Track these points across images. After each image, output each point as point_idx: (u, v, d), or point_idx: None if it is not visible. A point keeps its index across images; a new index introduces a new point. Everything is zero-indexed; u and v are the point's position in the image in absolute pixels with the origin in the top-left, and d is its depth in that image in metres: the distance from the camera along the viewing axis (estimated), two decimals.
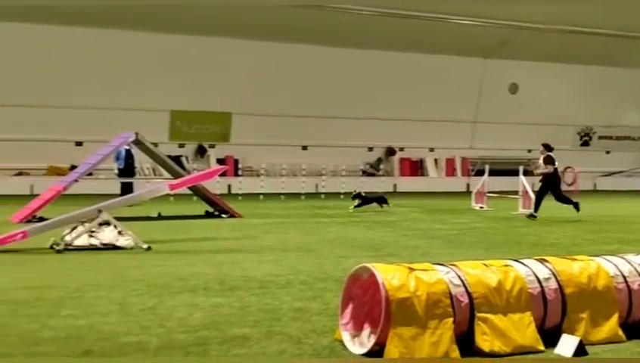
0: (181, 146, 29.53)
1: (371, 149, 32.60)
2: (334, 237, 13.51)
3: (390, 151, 32.77)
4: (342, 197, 23.75)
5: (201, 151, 29.88)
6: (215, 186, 21.19)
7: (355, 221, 16.84)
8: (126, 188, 20.27)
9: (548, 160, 17.48)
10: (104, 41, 26.65)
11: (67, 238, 11.08)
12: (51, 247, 10.87)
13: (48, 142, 26.14)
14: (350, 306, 5.78)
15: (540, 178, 17.68)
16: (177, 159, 24.96)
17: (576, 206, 17.38)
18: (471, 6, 26.46)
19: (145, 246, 11.15)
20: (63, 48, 26.16)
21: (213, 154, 29.91)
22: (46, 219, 13.41)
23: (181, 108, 28.97)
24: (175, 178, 15.67)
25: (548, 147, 17.74)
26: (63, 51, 26.21)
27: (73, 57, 26.39)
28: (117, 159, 20.70)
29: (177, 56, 27.73)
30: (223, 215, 17.27)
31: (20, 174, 26.62)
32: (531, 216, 17.31)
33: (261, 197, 23.73)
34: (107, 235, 11.23)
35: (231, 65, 28.24)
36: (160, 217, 16.96)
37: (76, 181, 16.67)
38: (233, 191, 26.42)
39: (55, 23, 25.49)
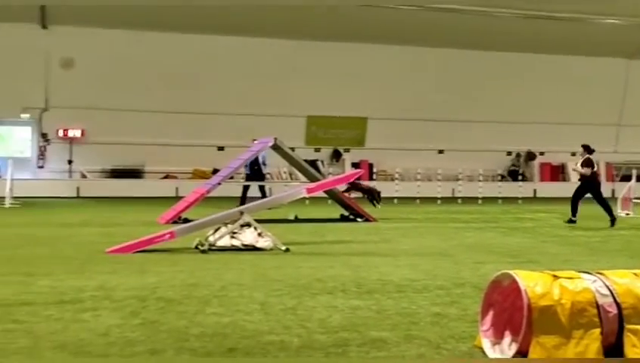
0: (317, 150, 30.02)
1: (509, 153, 31.86)
2: (471, 242, 13.30)
3: (530, 156, 31.87)
4: (480, 202, 23.33)
5: (336, 155, 30.26)
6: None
7: (492, 226, 16.52)
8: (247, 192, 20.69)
9: (588, 163, 16.79)
10: (247, 49, 27.59)
11: (211, 239, 11.52)
12: (196, 247, 11.33)
13: (193, 147, 27.34)
14: (491, 313, 5.68)
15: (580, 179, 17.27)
16: (313, 163, 25.39)
17: (613, 221, 16.51)
18: (613, 4, 25.34)
19: (284, 247, 11.42)
20: (209, 56, 27.35)
21: (348, 158, 30.21)
22: (191, 221, 14.01)
23: (317, 113, 29.48)
24: (312, 182, 15.96)
25: (588, 149, 16.97)
26: (208, 60, 27.39)
27: (218, 65, 27.53)
28: (245, 165, 21.20)
29: (314, 62, 28.27)
30: (358, 219, 17.37)
31: (166, 177, 27.97)
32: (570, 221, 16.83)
33: (395, 201, 23.72)
34: (248, 236, 11.58)
35: (367, 70, 28.52)
36: (296, 220, 17.30)
37: (219, 184, 17.32)
38: None
39: (201, 32, 26.67)
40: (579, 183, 17.37)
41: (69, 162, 27.42)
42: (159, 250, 11.12)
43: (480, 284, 7.64)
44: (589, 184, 16.97)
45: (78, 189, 26.40)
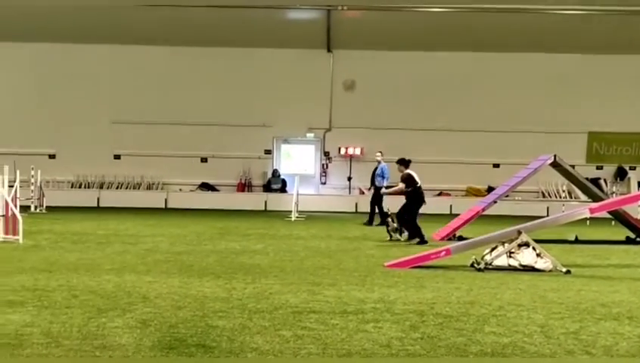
0: (599, 168, 28.41)
1: None
2: None
3: None
4: None
5: (621, 173, 28.36)
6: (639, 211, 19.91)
7: None
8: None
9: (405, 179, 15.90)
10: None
11: (487, 257, 11.42)
12: (472, 265, 11.30)
13: (467, 164, 27.32)
14: None
15: None
16: (595, 182, 24.05)
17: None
18: None
19: (564, 269, 10.98)
20: (486, 73, 27.48)
21: (634, 177, 28.16)
22: (465, 238, 14.01)
23: (599, 130, 27.99)
24: (594, 201, 15.15)
25: (404, 163, 16.27)
26: (485, 76, 27.47)
27: (488, 80, 27.42)
28: (383, 177, 20.52)
29: (590, 75, 27.11)
30: None
31: (440, 194, 28.22)
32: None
33: None
34: (526, 257, 11.29)
35: None
36: (577, 241, 16.50)
37: (495, 202, 17.11)
38: None
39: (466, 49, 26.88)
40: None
41: (349, 178, 28.79)
42: (435, 267, 11.27)
43: None
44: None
45: (356, 204, 27.57)
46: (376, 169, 20.55)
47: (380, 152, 20.93)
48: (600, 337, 6.62)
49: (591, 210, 12.37)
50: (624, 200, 14.15)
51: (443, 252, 11.59)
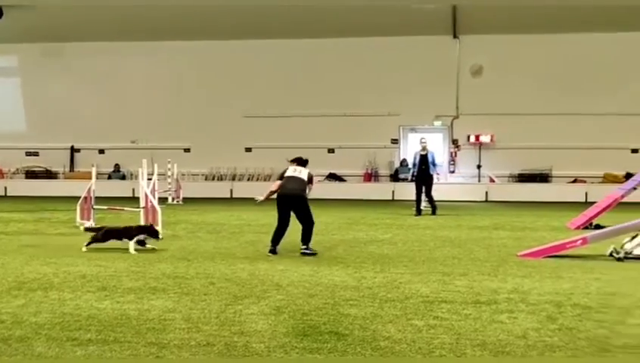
0: None
1: None
2: None
3: None
4: None
5: None
6: None
7: None
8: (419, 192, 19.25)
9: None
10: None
11: (627, 246, 10.90)
12: (610, 255, 10.82)
13: (604, 150, 26.16)
14: None
15: None
16: None
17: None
18: None
19: None
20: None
21: None
22: (603, 227, 13.42)
23: None
24: None
25: (300, 162, 11.85)
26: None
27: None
28: (413, 165, 19.58)
29: None
30: None
31: (575, 181, 27.18)
32: None
33: None
34: None
35: None
36: None
37: (635, 188, 16.29)
38: None
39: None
40: None
41: (479, 166, 28.25)
42: (570, 256, 10.87)
43: None
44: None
45: (486, 193, 27.04)
46: (425, 156, 19.42)
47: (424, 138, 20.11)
48: None
49: None
50: None
51: (580, 241, 11.15)
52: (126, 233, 11.63)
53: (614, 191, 17.06)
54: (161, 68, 29.70)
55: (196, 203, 23.15)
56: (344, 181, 28.68)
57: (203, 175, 29.33)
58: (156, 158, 19.16)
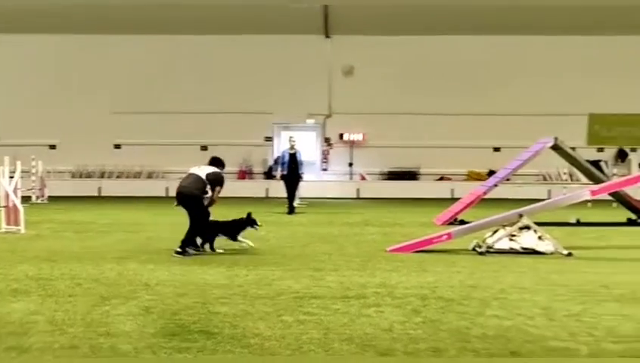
0: (600, 150, 28.36)
1: None
2: None
3: None
4: None
5: (621, 155, 28.35)
6: (638, 192, 19.89)
7: None
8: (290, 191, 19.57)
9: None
10: (523, 48, 27.10)
11: (489, 241, 11.43)
12: (473, 249, 11.31)
13: (468, 148, 27.27)
14: None
15: None
16: (596, 164, 23.97)
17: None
18: None
19: (566, 252, 10.99)
20: (492, 56, 27.44)
21: (635, 158, 28.14)
22: (467, 222, 14.00)
23: (600, 111, 27.91)
24: (595, 184, 15.13)
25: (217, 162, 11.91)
26: (489, 60, 27.29)
27: (494, 65, 27.34)
28: (282, 164, 19.85)
29: (595, 57, 26.92)
30: None
31: (441, 178, 28.20)
32: None
33: None
34: (527, 240, 11.30)
35: None
36: (578, 223, 16.49)
37: (496, 185, 17.09)
38: None
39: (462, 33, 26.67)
40: None
41: (350, 164, 28.77)
42: (436, 251, 11.28)
43: None
44: None
45: (358, 190, 27.59)
46: (294, 155, 19.53)
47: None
48: (603, 319, 6.63)
49: (593, 192, 12.34)
50: (625, 181, 14.10)
51: (445, 236, 11.59)
52: None
53: (477, 188, 17.82)
54: (24, 62, 28.36)
55: (62, 202, 22.30)
56: None
57: (69, 172, 28.26)
58: (20, 155, 18.26)
